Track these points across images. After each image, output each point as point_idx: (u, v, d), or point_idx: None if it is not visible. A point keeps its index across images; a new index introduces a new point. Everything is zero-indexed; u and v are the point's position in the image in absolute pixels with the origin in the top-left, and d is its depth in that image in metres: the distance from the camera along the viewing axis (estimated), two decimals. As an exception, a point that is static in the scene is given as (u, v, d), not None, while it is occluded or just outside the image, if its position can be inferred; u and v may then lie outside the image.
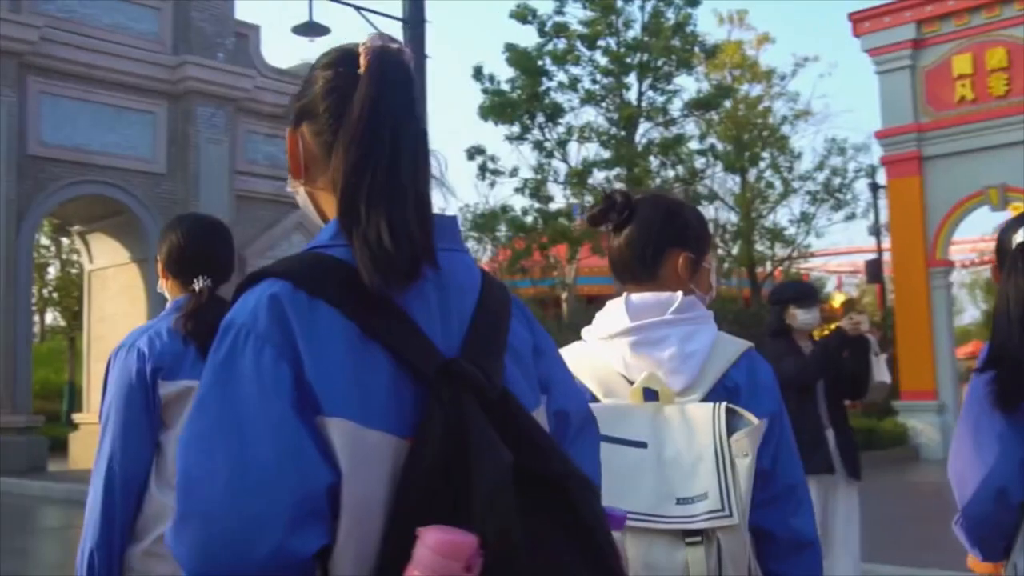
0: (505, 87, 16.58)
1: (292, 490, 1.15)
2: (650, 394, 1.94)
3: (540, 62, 16.58)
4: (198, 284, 2.73)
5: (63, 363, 28.28)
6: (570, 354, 2.03)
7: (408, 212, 1.27)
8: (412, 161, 1.30)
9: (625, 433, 1.86)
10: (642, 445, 1.84)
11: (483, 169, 16.82)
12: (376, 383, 1.22)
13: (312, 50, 21.77)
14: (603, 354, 2.04)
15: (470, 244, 19.87)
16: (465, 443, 1.18)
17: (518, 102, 16.37)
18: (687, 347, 1.97)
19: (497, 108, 16.30)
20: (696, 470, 1.81)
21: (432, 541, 1.13)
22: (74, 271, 28.74)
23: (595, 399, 1.98)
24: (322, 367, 1.20)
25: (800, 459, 2.02)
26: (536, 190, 16.63)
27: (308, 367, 1.20)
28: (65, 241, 28.23)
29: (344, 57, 1.40)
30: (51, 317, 34.42)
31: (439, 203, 1.43)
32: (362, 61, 1.34)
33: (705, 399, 1.93)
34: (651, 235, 2.09)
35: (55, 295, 31.19)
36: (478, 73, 16.59)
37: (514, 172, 16.99)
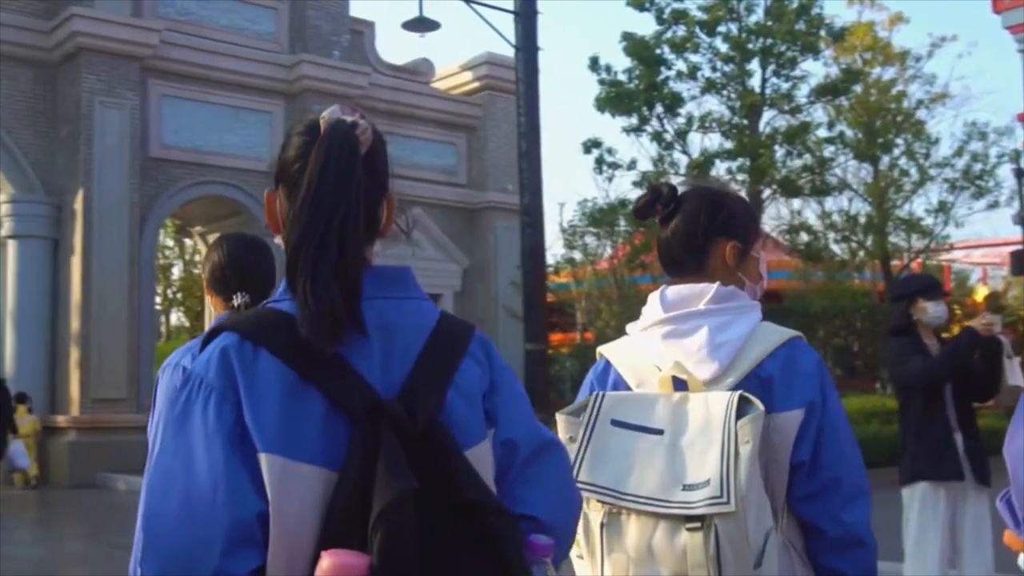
0: (622, 77, 16.48)
1: (225, 519, 1.34)
2: (680, 383, 1.99)
3: (658, 50, 16.41)
4: (237, 300, 2.81)
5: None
6: (612, 348, 2.14)
7: (330, 281, 1.42)
8: (341, 233, 1.44)
9: (644, 421, 1.93)
10: (659, 432, 1.90)
11: (600, 162, 16.75)
12: (310, 422, 1.40)
13: (424, 46, 22.08)
14: (639, 345, 2.11)
15: (588, 240, 19.81)
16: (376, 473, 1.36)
17: (636, 92, 16.24)
18: (719, 337, 2.00)
19: (614, 99, 16.20)
20: (705, 457, 1.85)
21: (326, 564, 1.31)
22: (196, 271, 29.72)
23: (628, 388, 2.08)
24: (258, 410, 1.40)
25: (858, 453, 2.00)
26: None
27: (247, 410, 1.40)
28: (188, 242, 29.20)
29: (313, 126, 1.55)
30: (175, 318, 35.64)
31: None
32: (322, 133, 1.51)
33: (736, 388, 1.93)
34: (697, 226, 2.14)
35: (179, 296, 32.29)
36: (594, 64, 16.53)
37: (632, 165, 16.88)
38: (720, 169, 16.75)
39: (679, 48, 16.48)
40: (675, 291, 2.11)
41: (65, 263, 17.26)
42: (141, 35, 17.58)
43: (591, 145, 16.81)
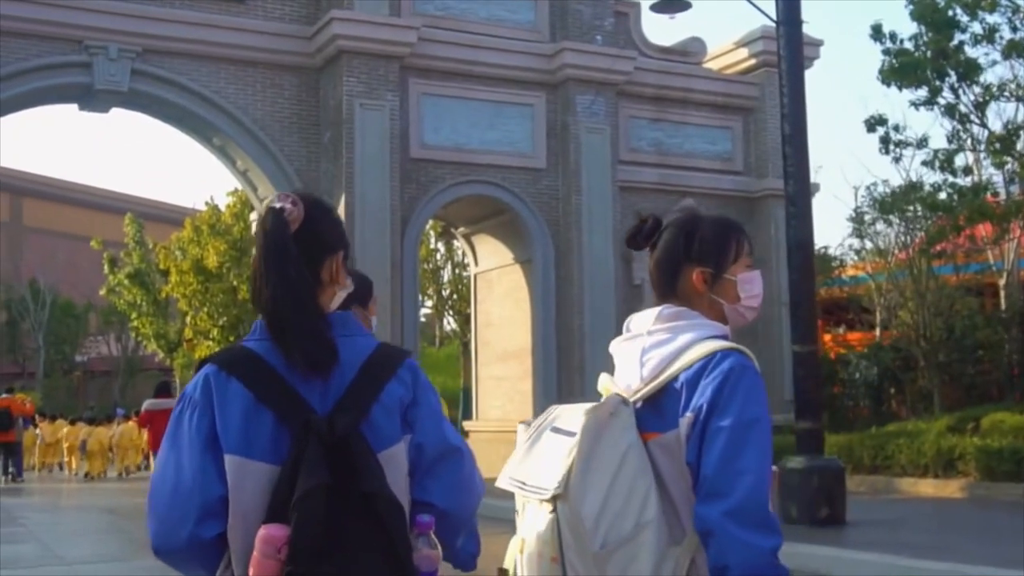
0: (908, 46, 16.04)
1: (198, 499, 2.12)
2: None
3: (949, 12, 15.87)
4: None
5: (459, 369, 30.60)
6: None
7: (307, 340, 2.18)
8: (282, 299, 2.18)
9: (569, 426, 2.35)
10: (571, 434, 2.32)
11: (886, 141, 16.35)
12: (262, 432, 2.14)
13: (693, 25, 22.16)
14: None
15: (879, 227, 19.26)
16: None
17: (924, 61, 15.77)
18: (648, 354, 2.41)
19: (900, 70, 15.80)
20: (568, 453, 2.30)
21: (261, 533, 2.02)
22: (466, 274, 31.06)
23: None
24: (225, 422, 2.14)
25: (753, 460, 2.23)
26: (947, 161, 15.90)
27: (218, 421, 2.15)
28: (457, 244, 30.54)
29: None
30: (447, 323, 37.22)
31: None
32: None
33: (652, 396, 2.36)
34: (669, 255, 2.52)
35: (453, 298, 33.76)
36: (877, 32, 16.18)
37: (923, 143, 16.37)
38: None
39: (973, 8, 15.86)
40: (636, 317, 2.54)
41: (331, 269, 18.55)
42: (400, 34, 18.66)
43: (876, 122, 16.46)
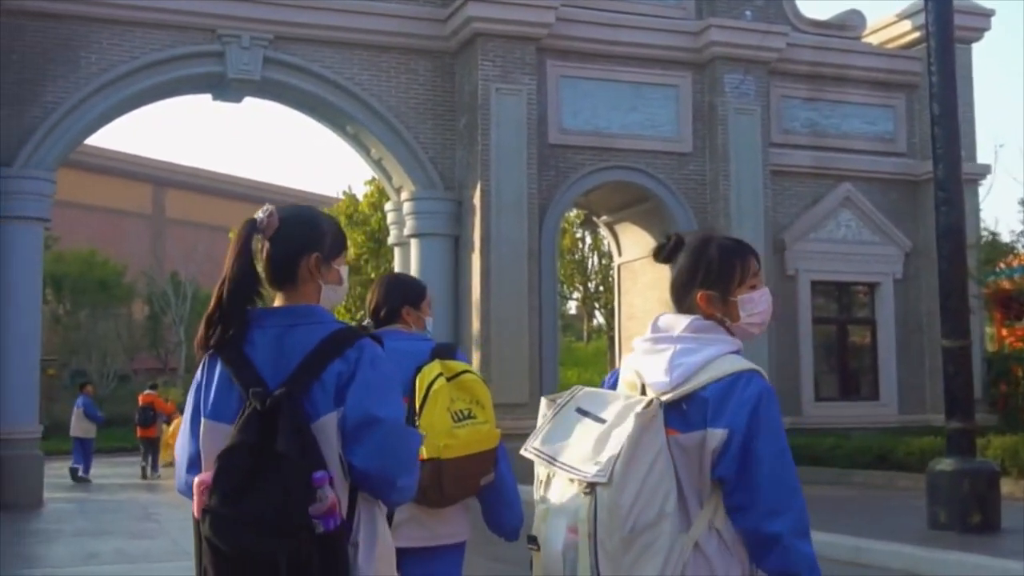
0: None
1: (185, 454, 2.93)
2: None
3: None
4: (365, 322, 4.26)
5: (607, 365, 30.91)
6: (624, 360, 3.08)
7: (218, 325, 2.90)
8: (233, 293, 2.90)
9: (597, 411, 2.85)
10: (602, 421, 2.81)
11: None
12: (231, 402, 2.82)
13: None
14: (632, 357, 3.02)
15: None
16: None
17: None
18: (678, 359, 2.85)
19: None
20: (613, 443, 2.74)
21: (199, 477, 2.75)
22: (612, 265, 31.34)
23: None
24: (207, 393, 2.88)
25: (786, 476, 2.79)
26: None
27: (203, 394, 2.90)
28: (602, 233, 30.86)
29: None
30: (596, 315, 37.49)
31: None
32: None
33: (680, 400, 2.81)
34: (680, 279, 3.02)
35: (600, 290, 34.07)
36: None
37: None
38: None
39: None
40: (665, 319, 2.98)
41: (465, 261, 19.10)
42: (537, 15, 19.04)
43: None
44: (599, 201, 21.63)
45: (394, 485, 2.83)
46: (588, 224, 28.87)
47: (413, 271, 19.33)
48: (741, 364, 2.84)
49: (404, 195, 19.79)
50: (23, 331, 17.05)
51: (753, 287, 3.00)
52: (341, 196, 34.28)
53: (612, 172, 20.02)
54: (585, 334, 41.59)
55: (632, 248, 22.16)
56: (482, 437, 4.00)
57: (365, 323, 4.09)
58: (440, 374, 3.97)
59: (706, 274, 2.96)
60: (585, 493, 2.70)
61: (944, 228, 11.90)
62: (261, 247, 2.98)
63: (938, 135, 11.94)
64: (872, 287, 21.90)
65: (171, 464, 32.80)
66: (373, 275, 29.88)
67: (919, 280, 21.35)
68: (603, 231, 24.33)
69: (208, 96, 19.87)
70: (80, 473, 24.04)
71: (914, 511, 12.13)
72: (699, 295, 2.96)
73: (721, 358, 2.85)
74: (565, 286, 34.65)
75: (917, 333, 21.30)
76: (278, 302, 2.99)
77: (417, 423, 3.85)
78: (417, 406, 3.91)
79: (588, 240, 33.11)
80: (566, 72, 19.78)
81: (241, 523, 2.63)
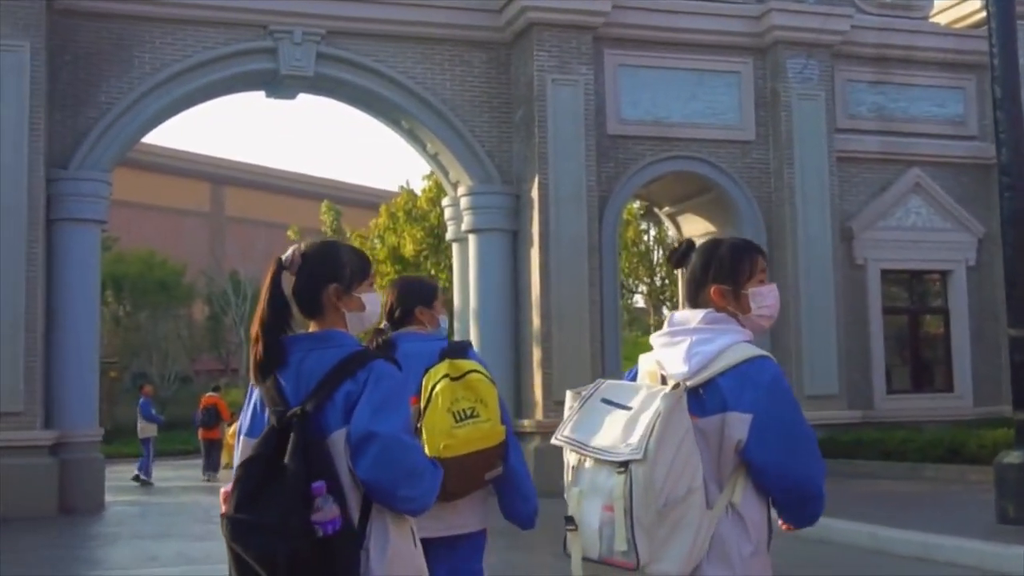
0: None
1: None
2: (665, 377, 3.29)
3: None
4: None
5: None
6: (641, 357, 3.41)
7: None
8: (269, 323, 3.34)
9: (623, 400, 3.15)
10: (628, 408, 3.11)
11: None
12: (262, 421, 3.25)
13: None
14: (652, 351, 3.36)
15: None
16: None
17: None
18: (695, 348, 3.18)
19: None
20: (642, 425, 3.04)
21: (223, 487, 3.15)
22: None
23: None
24: (246, 414, 3.35)
25: (810, 452, 3.17)
26: None
27: (245, 415, 3.35)
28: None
29: None
30: (663, 310, 37.44)
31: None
32: None
33: (699, 386, 3.14)
34: (693, 277, 3.36)
35: (666, 283, 34.11)
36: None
37: None
38: None
39: None
40: (681, 314, 3.34)
41: (524, 256, 19.26)
42: (593, 3, 19.16)
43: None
44: (660, 192, 21.73)
45: (394, 495, 3.18)
46: (650, 216, 28.91)
47: (471, 267, 19.61)
48: (753, 351, 3.16)
49: (461, 190, 20.00)
50: (82, 333, 17.46)
51: (762, 281, 3.33)
52: (399, 191, 34.59)
53: (673, 162, 20.10)
54: (652, 328, 41.49)
55: (695, 239, 22.14)
56: (483, 435, 4.27)
57: (383, 325, 4.47)
58: (445, 375, 4.26)
59: (718, 270, 3.29)
60: (619, 472, 2.98)
61: (1008, 214, 11.91)
62: (290, 282, 3.40)
63: (1000, 119, 11.94)
64: (944, 275, 21.82)
65: (230, 466, 33.60)
66: (433, 272, 30.16)
67: (993, 267, 20.99)
68: (665, 222, 24.39)
69: (261, 93, 20.21)
70: (141, 476, 24.56)
71: (984, 505, 12.15)
72: (712, 289, 3.29)
73: (735, 346, 3.17)
74: (630, 279, 34.84)
75: (992, 322, 21.13)
76: (311, 329, 3.40)
77: (420, 424, 4.17)
78: (422, 407, 4.22)
79: (652, 232, 33.15)
80: (624, 61, 19.88)
81: (250, 527, 3.03)
